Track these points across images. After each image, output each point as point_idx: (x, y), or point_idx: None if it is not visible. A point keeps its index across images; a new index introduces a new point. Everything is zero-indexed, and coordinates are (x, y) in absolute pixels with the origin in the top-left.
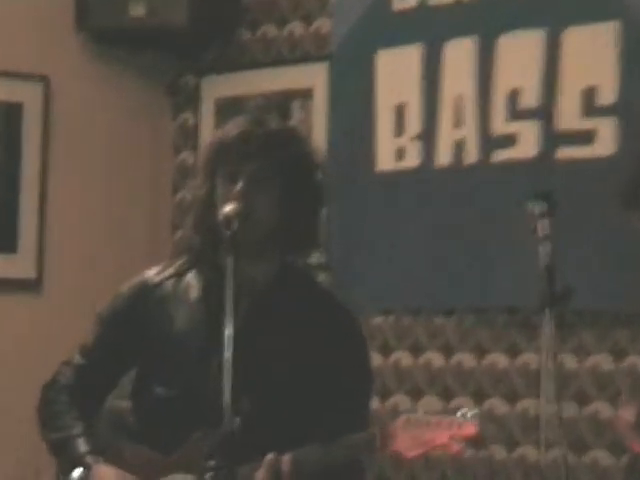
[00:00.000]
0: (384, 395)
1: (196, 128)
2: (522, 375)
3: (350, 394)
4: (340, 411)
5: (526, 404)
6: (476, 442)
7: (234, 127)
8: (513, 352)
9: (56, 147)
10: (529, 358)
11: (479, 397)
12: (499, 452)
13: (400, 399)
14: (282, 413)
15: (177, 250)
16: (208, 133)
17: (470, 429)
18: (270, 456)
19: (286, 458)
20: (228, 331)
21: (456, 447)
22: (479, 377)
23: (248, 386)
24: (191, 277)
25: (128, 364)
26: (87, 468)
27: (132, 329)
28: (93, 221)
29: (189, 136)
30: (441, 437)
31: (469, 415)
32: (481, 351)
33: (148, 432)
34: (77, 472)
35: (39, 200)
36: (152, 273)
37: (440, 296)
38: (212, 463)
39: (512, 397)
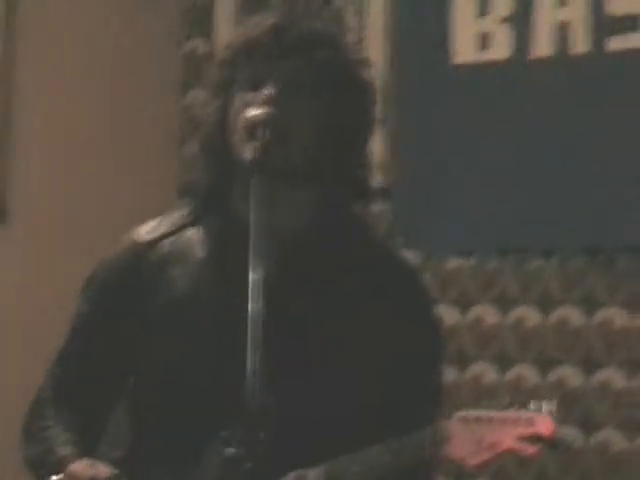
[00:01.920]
0: (462, 363)
1: (209, 8)
2: None
3: (413, 383)
4: (399, 404)
5: None
6: (554, 442)
7: (261, 21)
8: (636, 306)
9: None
10: None
11: (589, 365)
12: (615, 438)
13: (483, 368)
14: (322, 407)
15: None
16: (224, 17)
17: (545, 425)
18: (293, 474)
19: (314, 475)
20: (253, 284)
21: (530, 449)
22: (589, 338)
23: (276, 371)
24: (194, 233)
25: (124, 355)
26: (62, 468)
27: (125, 307)
28: (72, 136)
29: (201, 20)
30: (508, 438)
31: (544, 408)
32: (592, 304)
33: (146, 438)
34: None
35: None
36: (143, 232)
37: (536, 232)
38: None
39: (634, 365)
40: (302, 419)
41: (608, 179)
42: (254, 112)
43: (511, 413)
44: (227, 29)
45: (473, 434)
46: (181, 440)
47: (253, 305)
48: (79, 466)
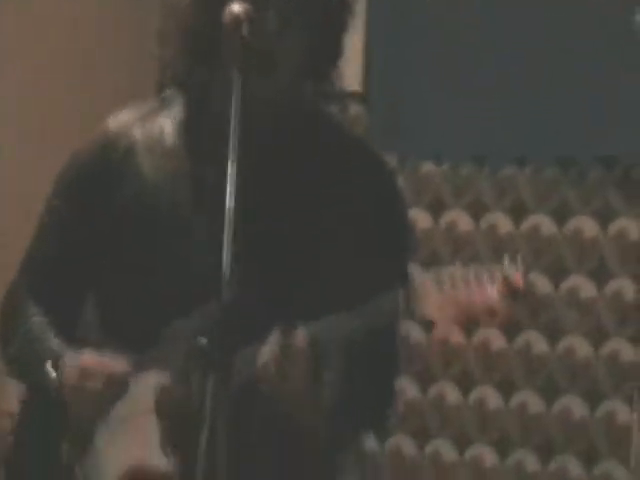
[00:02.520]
0: (435, 265)
1: None
2: (617, 246)
3: (378, 257)
4: (365, 278)
5: (619, 285)
6: (525, 296)
7: None
8: (606, 216)
9: None
10: (628, 226)
11: (559, 273)
12: (583, 347)
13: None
14: (292, 282)
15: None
16: None
17: (517, 281)
18: (280, 331)
19: (300, 333)
20: (231, 169)
21: (502, 304)
22: (560, 246)
23: (249, 249)
24: (164, 119)
25: (97, 246)
26: (57, 360)
27: (95, 197)
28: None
29: None
30: (482, 294)
31: (514, 264)
32: (564, 214)
33: (117, 324)
34: (49, 364)
35: None
36: (111, 121)
37: (512, 140)
38: (202, 344)
39: (601, 275)
40: (273, 290)
41: (582, 91)
42: (236, 7)
43: (484, 270)
44: None
45: (446, 292)
46: (150, 332)
47: (227, 198)
48: (89, 359)
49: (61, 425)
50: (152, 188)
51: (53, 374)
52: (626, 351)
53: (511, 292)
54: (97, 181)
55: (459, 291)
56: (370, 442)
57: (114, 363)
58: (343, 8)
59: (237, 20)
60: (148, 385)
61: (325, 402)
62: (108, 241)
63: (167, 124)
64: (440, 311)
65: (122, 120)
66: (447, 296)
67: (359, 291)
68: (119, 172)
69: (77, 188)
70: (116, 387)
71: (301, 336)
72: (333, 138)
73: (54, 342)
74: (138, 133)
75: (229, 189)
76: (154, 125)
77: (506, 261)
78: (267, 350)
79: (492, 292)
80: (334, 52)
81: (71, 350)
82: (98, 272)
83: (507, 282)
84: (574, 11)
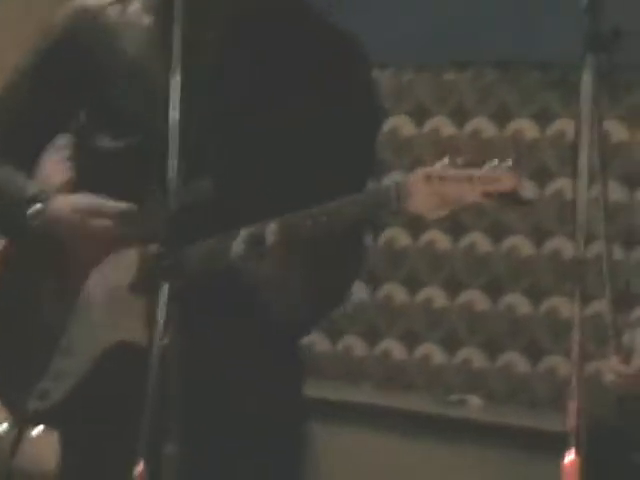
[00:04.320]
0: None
1: None
2: (555, 146)
3: (349, 143)
4: (339, 165)
5: (559, 185)
6: (514, 199)
7: None
8: (545, 118)
9: None
10: (564, 125)
11: None
12: (526, 246)
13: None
14: (263, 173)
15: None
16: None
17: (508, 182)
18: (251, 226)
19: (272, 225)
20: (175, 79)
21: (489, 204)
22: (500, 149)
23: (219, 136)
24: (138, 6)
25: (64, 115)
26: (42, 202)
27: (69, 67)
28: None
29: None
30: (471, 194)
31: (506, 166)
32: (504, 116)
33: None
34: (32, 209)
35: None
36: None
37: (451, 45)
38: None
39: (542, 175)
40: (243, 182)
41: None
42: None
43: (476, 170)
44: None
45: (436, 188)
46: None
47: (171, 110)
48: (81, 198)
49: (42, 267)
50: (129, 64)
51: (38, 207)
52: (567, 251)
53: (500, 194)
54: (73, 51)
55: (448, 189)
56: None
57: (118, 203)
58: None
59: None
60: (133, 259)
61: (295, 290)
62: (78, 106)
63: (141, 7)
64: (429, 207)
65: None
66: (437, 192)
67: (336, 181)
68: (96, 47)
69: (52, 55)
70: (126, 225)
71: (274, 228)
72: (314, 27)
73: (30, 183)
74: (116, 11)
75: (172, 100)
76: (131, 5)
77: (495, 162)
78: (237, 244)
79: (480, 191)
80: None
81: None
82: (63, 127)
83: (498, 186)
84: None
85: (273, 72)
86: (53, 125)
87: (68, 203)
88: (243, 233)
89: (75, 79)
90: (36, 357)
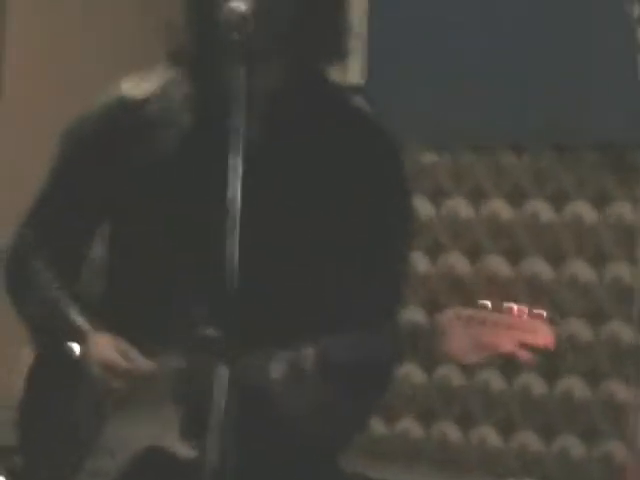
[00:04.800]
0: (434, 253)
1: None
2: (614, 230)
3: (378, 261)
4: (370, 279)
5: (617, 269)
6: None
7: None
8: (602, 200)
9: None
10: (623, 209)
11: (557, 259)
12: (583, 329)
13: (455, 259)
14: (298, 276)
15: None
16: None
17: (546, 337)
18: (291, 352)
19: (310, 353)
20: (233, 160)
21: (525, 355)
22: (558, 232)
23: (256, 241)
24: (181, 93)
25: (104, 210)
26: (84, 339)
27: (106, 160)
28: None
29: None
30: (508, 342)
31: (544, 318)
32: (561, 199)
33: (123, 300)
34: (75, 346)
35: None
36: (129, 86)
37: (509, 128)
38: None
39: (599, 259)
40: (276, 298)
41: (578, 78)
42: (240, 5)
43: (505, 316)
44: None
45: (468, 332)
46: (156, 306)
47: (230, 190)
48: (110, 354)
49: (75, 390)
50: (169, 163)
51: (77, 349)
52: (624, 335)
53: (538, 347)
54: (113, 141)
55: (483, 333)
56: None
57: (137, 361)
58: None
59: (243, 19)
60: (168, 369)
61: (326, 415)
62: (117, 197)
63: (183, 98)
64: (463, 350)
65: (139, 87)
66: (471, 335)
67: (369, 298)
68: (135, 142)
69: (92, 143)
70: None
71: (312, 356)
72: (337, 108)
73: (79, 319)
74: (156, 104)
75: (231, 181)
76: (169, 98)
77: (541, 312)
78: (278, 369)
79: (517, 341)
80: (337, 24)
81: (94, 330)
82: (100, 223)
83: (536, 338)
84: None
85: (313, 166)
86: (90, 218)
87: (98, 350)
88: (285, 356)
89: (111, 177)
90: (66, 455)
